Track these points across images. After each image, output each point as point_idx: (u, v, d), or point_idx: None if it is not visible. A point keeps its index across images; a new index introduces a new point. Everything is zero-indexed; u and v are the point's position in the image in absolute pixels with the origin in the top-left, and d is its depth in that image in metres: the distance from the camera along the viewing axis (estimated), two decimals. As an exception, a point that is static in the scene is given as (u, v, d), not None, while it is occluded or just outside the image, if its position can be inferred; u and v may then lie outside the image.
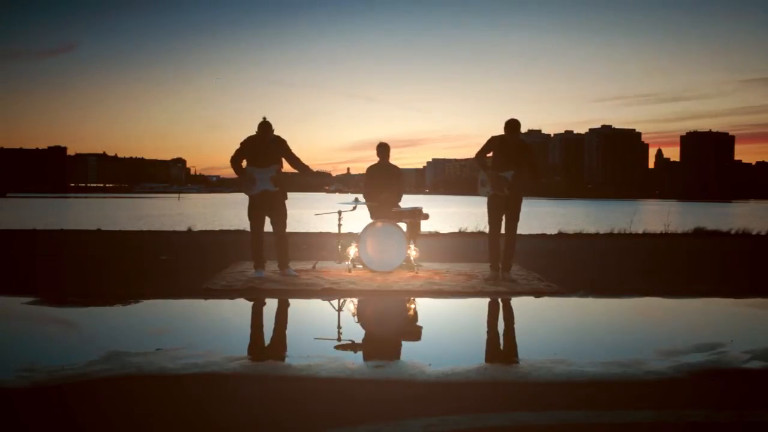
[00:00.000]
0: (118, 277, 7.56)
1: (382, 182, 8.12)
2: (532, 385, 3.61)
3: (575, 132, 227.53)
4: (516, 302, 6.28)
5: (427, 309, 6.07)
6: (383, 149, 8.24)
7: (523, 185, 7.29)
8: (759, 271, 8.70)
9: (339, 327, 5.22)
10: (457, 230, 14.96)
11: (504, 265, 7.23)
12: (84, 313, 5.78)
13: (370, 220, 7.81)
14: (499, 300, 6.34)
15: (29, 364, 3.83)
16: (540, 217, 39.37)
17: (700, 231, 15.28)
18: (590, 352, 4.45)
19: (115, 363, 3.89)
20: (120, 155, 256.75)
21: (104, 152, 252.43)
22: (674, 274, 8.16)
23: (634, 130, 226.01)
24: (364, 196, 8.13)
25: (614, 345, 4.80)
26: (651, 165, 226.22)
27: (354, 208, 8.19)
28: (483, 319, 5.82)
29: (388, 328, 5.37)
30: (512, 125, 7.28)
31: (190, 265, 8.41)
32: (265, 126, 7.22)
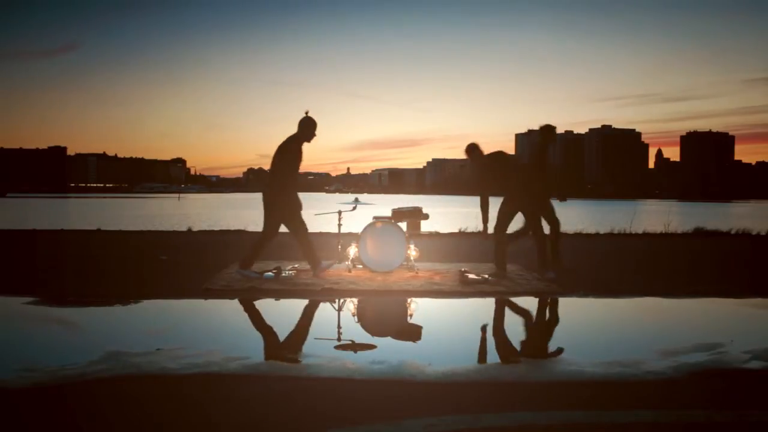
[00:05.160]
0: (118, 277, 7.56)
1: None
2: (532, 385, 3.61)
3: (575, 132, 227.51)
4: (516, 302, 6.28)
5: (427, 309, 6.07)
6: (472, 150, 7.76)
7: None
8: (759, 271, 8.69)
9: (339, 327, 5.22)
10: (457, 230, 14.98)
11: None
12: (84, 313, 5.78)
13: (373, 221, 7.80)
14: (499, 300, 6.33)
15: (29, 364, 3.83)
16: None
17: (700, 231, 15.26)
18: (590, 352, 4.45)
19: (115, 363, 3.89)
20: (120, 155, 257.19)
21: (104, 152, 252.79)
22: (674, 274, 8.15)
23: (634, 130, 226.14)
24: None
25: (614, 345, 4.80)
26: (651, 165, 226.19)
27: (354, 208, 8.19)
28: (483, 319, 5.82)
29: (388, 328, 5.37)
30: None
31: (190, 265, 8.41)
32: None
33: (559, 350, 4.65)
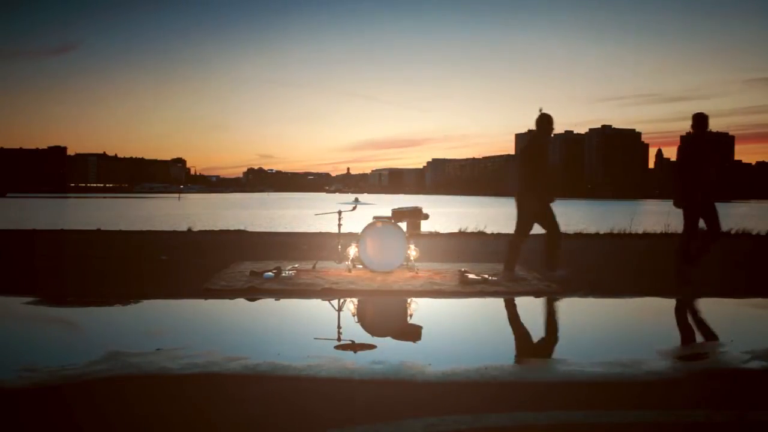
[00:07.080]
0: (118, 277, 7.56)
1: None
2: (532, 385, 3.61)
3: (575, 132, 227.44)
4: (516, 302, 6.27)
5: (427, 309, 6.07)
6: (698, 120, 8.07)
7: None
8: (759, 271, 8.69)
9: (339, 327, 5.22)
10: (457, 230, 14.98)
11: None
12: (84, 313, 5.78)
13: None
14: (499, 300, 6.33)
15: (29, 364, 3.83)
16: (540, 217, 39.19)
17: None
18: (590, 352, 4.45)
19: (115, 363, 3.89)
20: (120, 155, 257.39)
21: (104, 152, 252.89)
22: (674, 274, 8.14)
23: (634, 130, 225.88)
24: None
25: (614, 345, 4.80)
26: (651, 165, 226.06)
27: (354, 208, 8.19)
28: (483, 319, 5.81)
29: (388, 328, 5.37)
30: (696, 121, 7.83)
31: (190, 265, 8.41)
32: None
33: (559, 350, 4.65)
